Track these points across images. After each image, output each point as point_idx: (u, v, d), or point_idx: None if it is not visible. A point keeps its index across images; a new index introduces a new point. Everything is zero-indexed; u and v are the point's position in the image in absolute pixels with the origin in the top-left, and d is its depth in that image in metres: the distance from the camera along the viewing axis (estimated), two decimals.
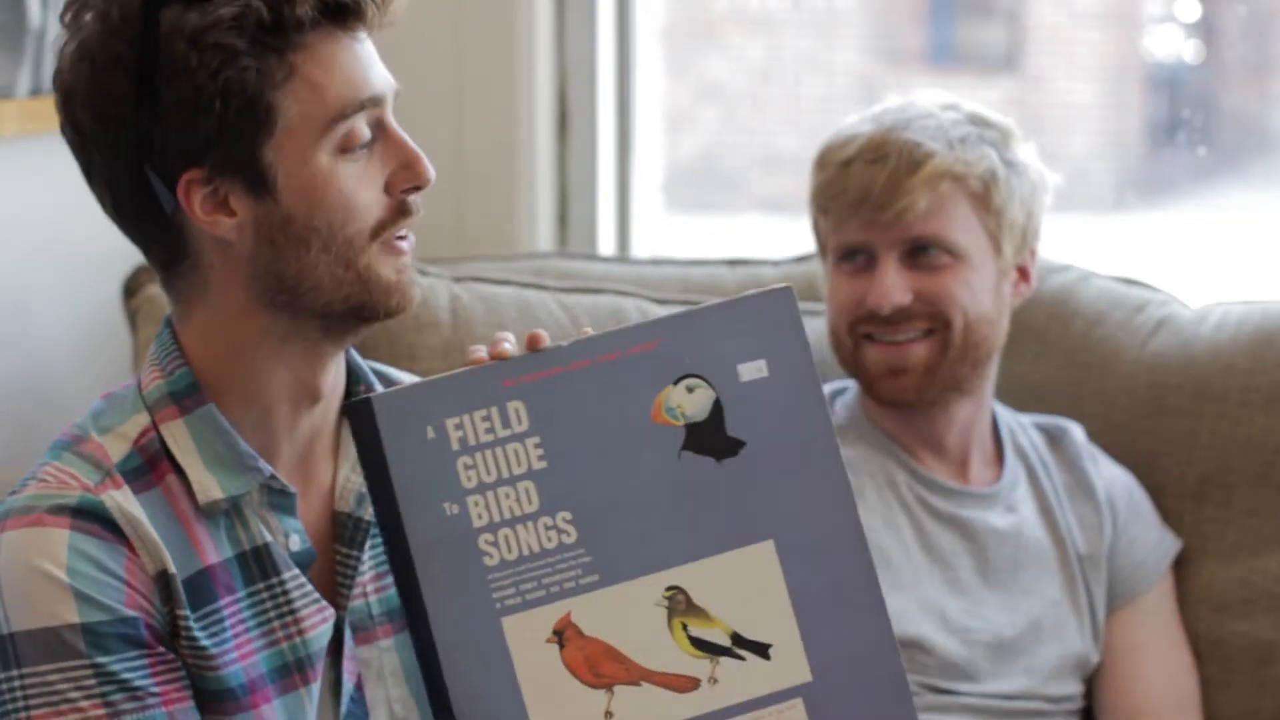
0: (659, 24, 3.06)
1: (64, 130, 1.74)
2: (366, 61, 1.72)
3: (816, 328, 2.55)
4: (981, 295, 2.26)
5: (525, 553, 1.57)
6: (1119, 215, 3.14)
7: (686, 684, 1.60)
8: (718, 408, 1.59)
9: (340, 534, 1.80)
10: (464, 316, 2.45)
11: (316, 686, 1.75)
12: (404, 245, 1.75)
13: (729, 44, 3.20)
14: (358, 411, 1.57)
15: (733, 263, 2.68)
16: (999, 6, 3.22)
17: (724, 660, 1.60)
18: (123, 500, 1.70)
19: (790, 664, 1.61)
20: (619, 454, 1.58)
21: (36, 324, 2.37)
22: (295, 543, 1.76)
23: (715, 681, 1.60)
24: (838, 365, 2.35)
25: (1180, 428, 2.45)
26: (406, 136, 1.74)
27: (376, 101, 1.72)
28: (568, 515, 1.57)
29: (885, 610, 1.63)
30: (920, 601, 2.26)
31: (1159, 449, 2.46)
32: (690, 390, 1.59)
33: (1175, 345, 2.49)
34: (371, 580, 1.80)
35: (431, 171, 1.74)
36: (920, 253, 2.25)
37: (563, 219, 2.92)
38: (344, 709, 1.77)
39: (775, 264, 2.67)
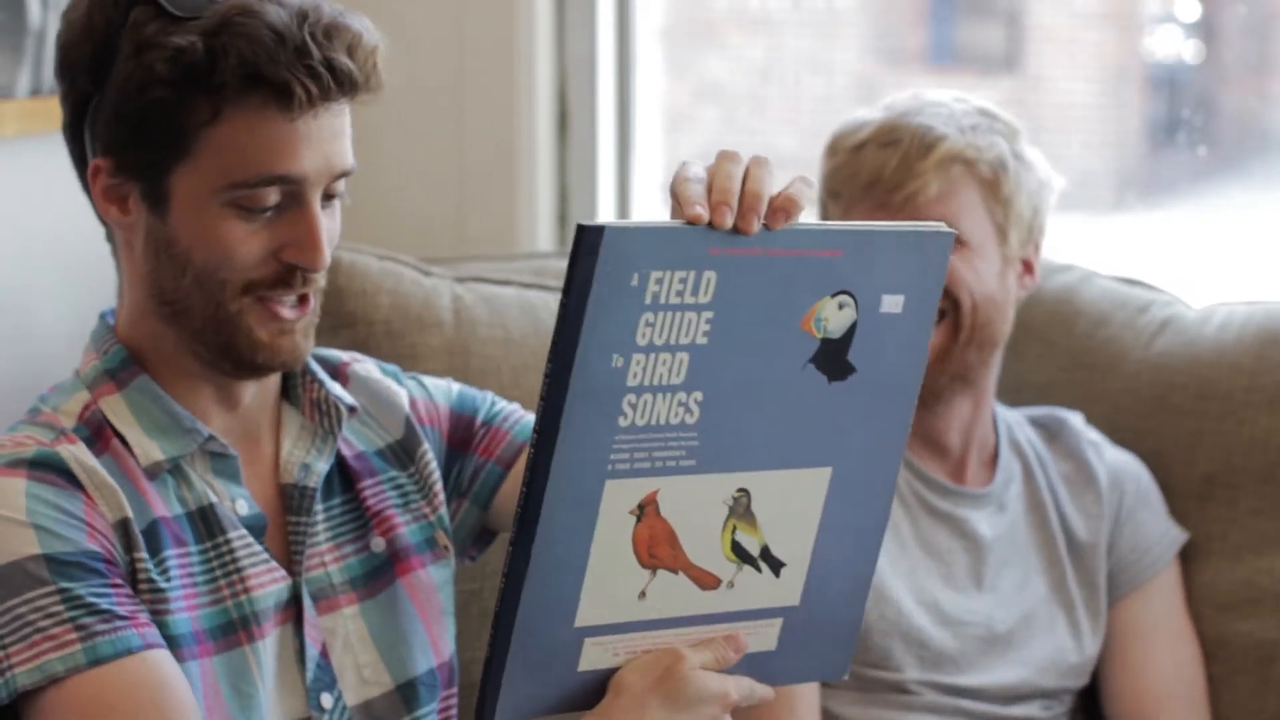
0: (659, 24, 3.05)
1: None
2: (301, 140, 1.72)
3: None
4: (987, 279, 2.27)
5: (653, 422, 1.55)
6: (1119, 215, 3.14)
7: (712, 582, 1.62)
8: (851, 330, 1.58)
9: (289, 504, 1.85)
10: (467, 317, 2.45)
11: (264, 645, 1.78)
12: (285, 311, 1.77)
13: (729, 44, 3.20)
14: (586, 235, 1.48)
15: None
16: (999, 6, 3.22)
17: (746, 568, 1.62)
18: (79, 453, 1.74)
19: (790, 586, 1.63)
20: (763, 350, 1.56)
21: (36, 324, 2.36)
22: (243, 507, 1.81)
23: (731, 586, 1.62)
24: None
25: (1185, 428, 2.46)
26: (318, 221, 1.75)
27: (293, 181, 1.73)
28: (699, 396, 1.55)
29: (875, 562, 1.65)
30: (915, 594, 2.27)
31: (1163, 449, 2.46)
32: (840, 307, 1.57)
33: (1179, 346, 2.49)
34: (329, 550, 1.86)
35: (324, 262, 1.75)
36: None
37: (563, 219, 2.92)
38: (310, 675, 1.79)
39: None
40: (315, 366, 1.90)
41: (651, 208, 3.03)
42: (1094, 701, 2.39)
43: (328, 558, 1.85)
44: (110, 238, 1.86)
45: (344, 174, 1.78)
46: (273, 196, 1.73)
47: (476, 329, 2.44)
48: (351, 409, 1.91)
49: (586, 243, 1.48)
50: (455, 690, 1.94)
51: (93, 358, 1.84)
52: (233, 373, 1.81)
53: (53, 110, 2.31)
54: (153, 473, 1.77)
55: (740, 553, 1.61)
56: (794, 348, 1.56)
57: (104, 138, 1.77)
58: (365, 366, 1.99)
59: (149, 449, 1.77)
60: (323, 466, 1.87)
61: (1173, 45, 3.17)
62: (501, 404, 2.03)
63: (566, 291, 1.50)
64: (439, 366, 2.37)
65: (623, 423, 1.54)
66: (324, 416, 1.89)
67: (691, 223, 1.50)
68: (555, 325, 1.50)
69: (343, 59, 1.71)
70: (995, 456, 2.37)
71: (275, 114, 1.71)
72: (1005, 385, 2.44)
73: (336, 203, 1.80)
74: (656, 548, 1.60)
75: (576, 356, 1.50)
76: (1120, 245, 3.02)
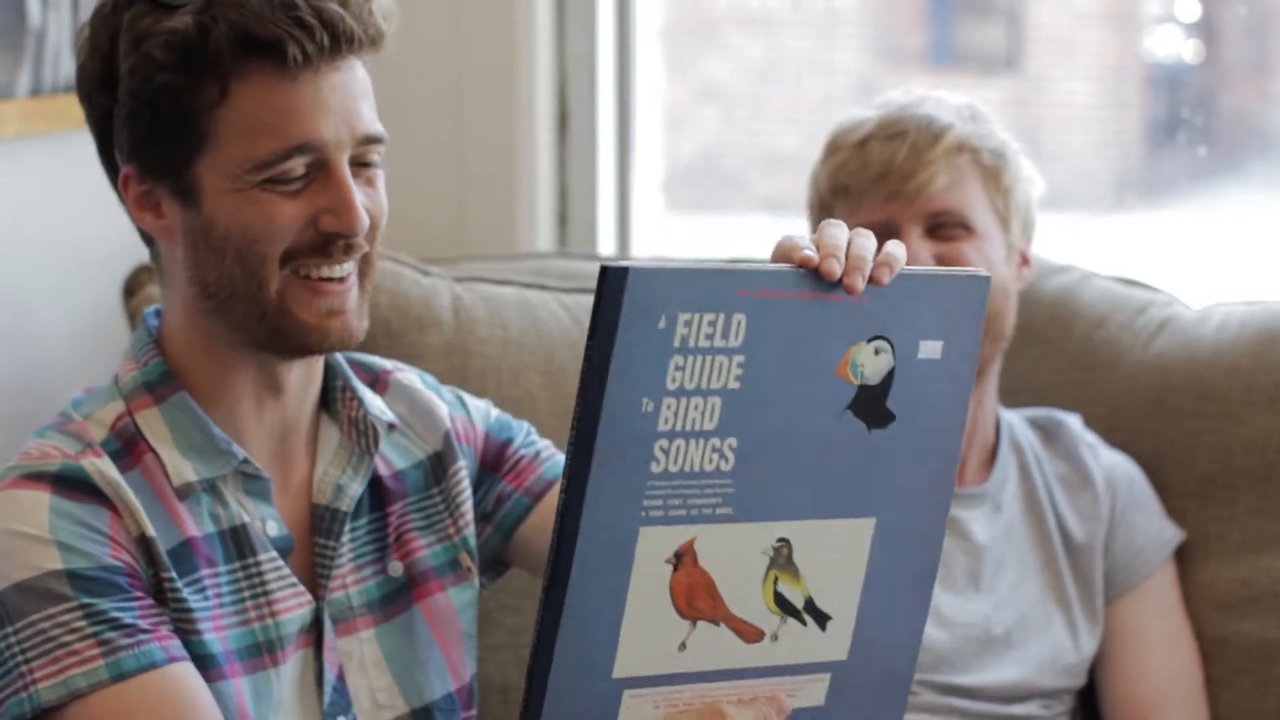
0: (659, 24, 3.05)
1: None
2: (312, 102, 1.71)
3: None
4: (996, 266, 2.28)
5: (687, 468, 1.51)
6: (1119, 215, 3.14)
7: (755, 635, 1.58)
8: (890, 377, 1.55)
9: (318, 525, 1.83)
10: (466, 317, 2.45)
11: (286, 669, 1.77)
12: (330, 286, 1.75)
13: (729, 44, 3.20)
14: (610, 277, 1.46)
15: (733, 263, 2.67)
16: (999, 6, 3.22)
17: (791, 621, 1.59)
18: (104, 466, 1.73)
19: (837, 640, 1.60)
20: (798, 396, 1.53)
21: (36, 324, 2.36)
22: (273, 529, 1.79)
23: (775, 639, 1.58)
24: None
25: (1183, 428, 2.46)
26: (348, 183, 1.73)
27: (314, 148, 1.72)
28: (734, 443, 1.52)
29: (926, 614, 1.63)
30: None
31: (1162, 449, 2.46)
32: (877, 353, 1.55)
33: (1178, 346, 2.49)
34: (350, 572, 1.84)
35: (361, 224, 1.73)
36: (940, 227, 2.27)
37: (563, 219, 2.92)
38: (327, 699, 1.79)
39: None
40: (356, 382, 1.88)
41: (652, 208, 3.03)
42: (1093, 702, 2.39)
43: (349, 580, 1.84)
44: (151, 247, 1.84)
45: (371, 139, 1.75)
46: (299, 167, 1.72)
47: (476, 329, 2.44)
48: (391, 425, 1.89)
49: (611, 284, 1.45)
50: (474, 712, 1.92)
51: (132, 367, 1.81)
52: (286, 356, 1.79)
53: (53, 110, 2.32)
54: (184, 493, 1.75)
55: (783, 605, 1.58)
56: (831, 394, 1.54)
57: (126, 144, 1.76)
58: (408, 376, 1.96)
59: (182, 469, 1.76)
60: (357, 489, 1.84)
61: (1173, 45, 3.17)
62: (536, 437, 2.01)
63: (592, 334, 1.47)
64: (438, 366, 2.37)
65: (655, 469, 1.50)
66: (361, 436, 1.86)
67: (802, 265, 1.49)
68: (582, 369, 1.48)
69: (332, 7, 1.69)
70: (994, 456, 2.37)
71: (277, 78, 1.70)
72: (1004, 386, 2.44)
73: (375, 172, 1.78)
74: (696, 598, 1.56)
75: (605, 401, 1.47)
76: (1120, 245, 3.02)
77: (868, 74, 3.13)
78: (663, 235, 3.04)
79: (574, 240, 2.92)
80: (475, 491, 1.95)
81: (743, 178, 3.28)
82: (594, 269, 2.63)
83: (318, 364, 1.85)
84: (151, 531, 1.71)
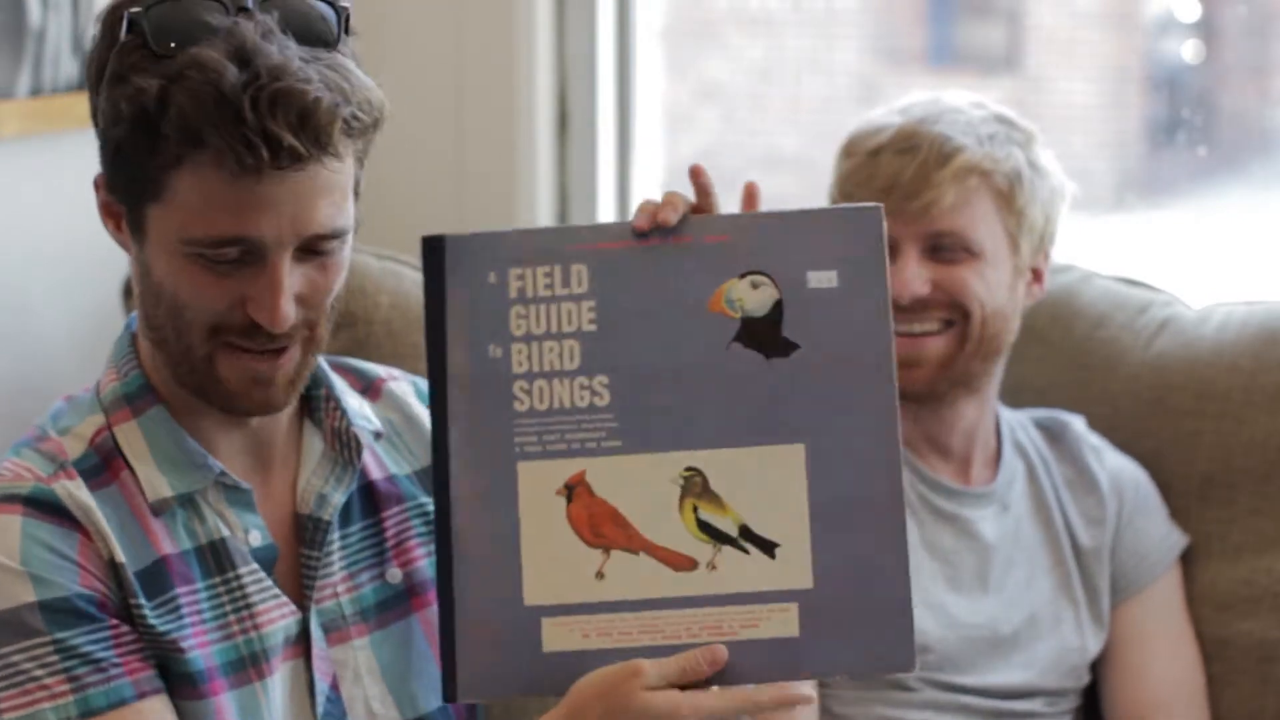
0: (659, 24, 3.05)
1: None
2: (256, 202, 1.65)
3: None
4: (997, 291, 2.26)
5: (555, 406, 1.63)
6: (1119, 215, 3.14)
7: (684, 563, 1.64)
8: (778, 307, 1.63)
9: (302, 535, 1.81)
10: None
11: (273, 681, 1.76)
12: (256, 364, 1.71)
13: (729, 44, 3.20)
14: (430, 247, 1.65)
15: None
16: (999, 6, 3.22)
17: (726, 549, 1.63)
18: (74, 490, 1.72)
19: (794, 568, 1.63)
20: (669, 333, 1.63)
21: (36, 324, 2.36)
22: (256, 538, 1.78)
23: (714, 568, 1.63)
24: None
25: (1184, 428, 2.45)
26: (281, 282, 1.67)
27: (249, 243, 1.66)
28: (604, 380, 1.63)
29: (904, 535, 1.64)
30: (920, 596, 2.26)
31: (1162, 449, 2.46)
32: (754, 286, 1.63)
33: (1178, 346, 2.49)
34: (343, 580, 1.82)
35: (282, 323, 1.68)
36: (941, 247, 2.25)
37: (563, 219, 2.92)
38: (320, 709, 1.78)
39: None
40: (339, 390, 1.85)
41: None
42: (1095, 701, 2.39)
43: (340, 588, 1.82)
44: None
45: (322, 238, 1.69)
46: (231, 252, 1.67)
47: None
48: (377, 434, 1.87)
49: (432, 254, 1.66)
50: None
51: (113, 378, 1.80)
52: (212, 409, 1.77)
53: (53, 110, 2.32)
54: (159, 509, 1.74)
55: (711, 532, 1.63)
56: (709, 329, 1.63)
57: (100, 153, 1.75)
58: (401, 386, 1.94)
59: (158, 485, 1.75)
60: (340, 498, 1.82)
61: (1173, 45, 3.17)
62: None
63: (427, 298, 1.64)
64: None
65: (519, 407, 1.63)
66: (344, 447, 1.84)
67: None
68: (425, 329, 1.63)
69: (278, 130, 1.61)
70: (998, 457, 2.37)
71: (225, 175, 1.64)
72: (1005, 386, 2.43)
73: (331, 259, 1.72)
74: (601, 526, 1.64)
75: (447, 353, 1.63)
76: (1120, 245, 3.02)
77: (868, 74, 3.13)
78: None
79: None
80: None
81: (743, 178, 3.28)
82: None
83: None
84: (121, 557, 1.71)
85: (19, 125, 2.26)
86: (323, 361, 1.86)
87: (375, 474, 1.87)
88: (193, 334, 1.71)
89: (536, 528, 1.64)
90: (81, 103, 2.36)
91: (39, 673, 1.66)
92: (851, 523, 1.63)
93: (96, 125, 1.74)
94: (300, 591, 1.80)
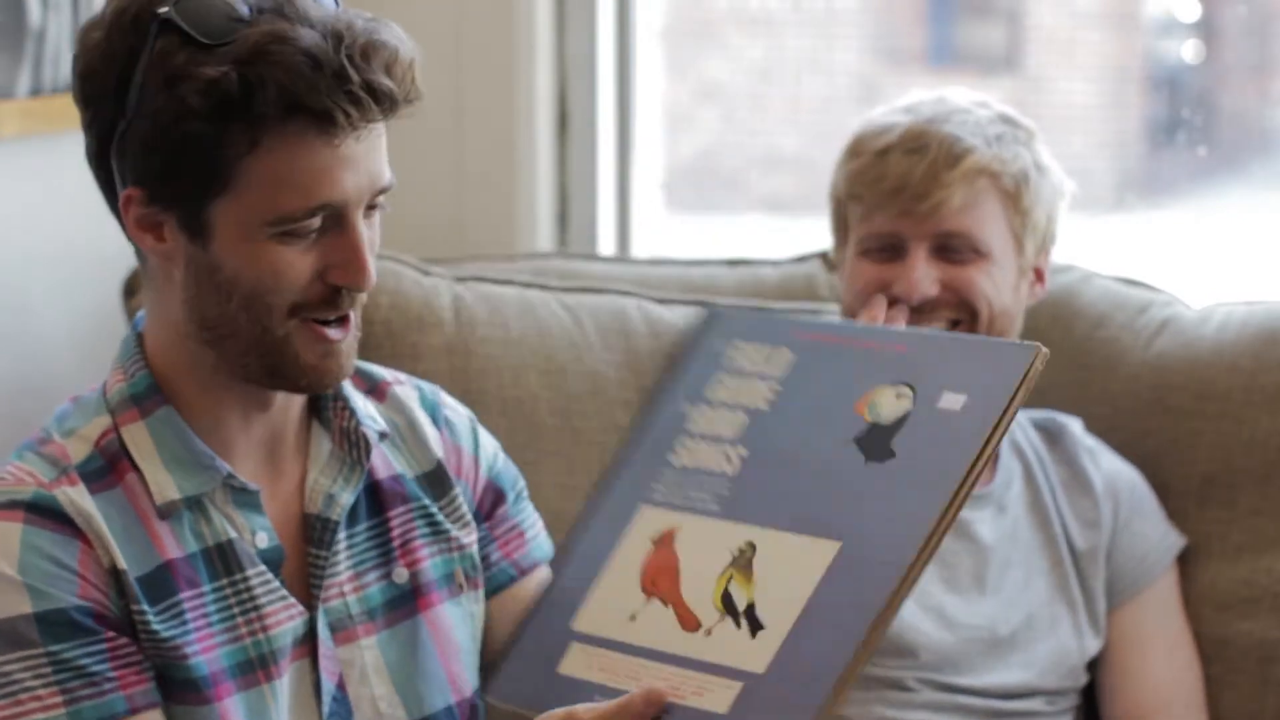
0: (659, 24, 3.05)
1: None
2: (344, 164, 1.67)
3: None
4: (1004, 290, 2.27)
5: (698, 466, 1.70)
6: (1119, 215, 3.14)
7: (692, 624, 1.66)
8: (902, 419, 1.66)
9: (310, 534, 1.81)
10: (467, 316, 2.45)
11: (281, 684, 1.76)
12: (331, 333, 1.73)
13: (729, 44, 3.20)
14: (711, 317, 1.81)
15: (733, 263, 2.67)
16: (999, 6, 3.22)
17: (728, 620, 1.65)
18: (76, 496, 1.71)
19: (759, 652, 1.63)
20: (815, 422, 1.69)
21: (36, 324, 2.36)
22: (263, 540, 1.78)
23: (709, 634, 1.65)
24: None
25: (1184, 428, 2.45)
26: (363, 242, 1.71)
27: (335, 207, 1.69)
28: (743, 451, 1.70)
29: (852, 650, 1.60)
30: (918, 597, 2.27)
31: (1162, 449, 2.46)
32: (898, 396, 1.67)
33: (1178, 346, 2.49)
34: (349, 580, 1.82)
35: (371, 280, 1.72)
36: (949, 248, 2.25)
37: (563, 219, 2.92)
38: (327, 709, 1.78)
39: (775, 264, 2.66)
40: (348, 390, 1.86)
41: (651, 207, 3.03)
42: (1094, 702, 2.39)
43: (347, 587, 1.82)
44: (141, 259, 1.79)
45: (384, 190, 1.74)
46: (312, 224, 1.69)
47: (476, 328, 2.44)
48: (382, 434, 1.87)
49: (704, 317, 1.80)
50: None
51: (119, 379, 1.78)
52: (277, 390, 1.78)
53: (53, 110, 2.31)
54: (166, 512, 1.74)
55: (728, 603, 1.65)
56: (844, 425, 1.67)
57: (135, 169, 1.70)
58: (406, 391, 1.94)
59: (165, 487, 1.74)
60: (348, 498, 1.82)
61: (1173, 45, 3.17)
62: (526, 500, 1.98)
63: (678, 353, 1.76)
64: (439, 366, 2.37)
65: (673, 459, 1.71)
66: (353, 446, 1.84)
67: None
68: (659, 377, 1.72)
69: (383, 80, 1.66)
70: (996, 458, 2.37)
71: (316, 141, 1.66)
72: None
73: (377, 214, 1.76)
74: (659, 576, 1.68)
75: (656, 398, 1.74)
76: (1120, 245, 3.02)
77: (868, 74, 3.13)
78: (663, 235, 3.03)
79: (574, 240, 2.92)
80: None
81: (743, 178, 3.28)
82: (594, 269, 2.65)
83: None
84: (123, 564, 1.70)
85: (19, 125, 2.26)
86: None
87: (381, 473, 1.87)
88: (272, 317, 1.71)
89: (620, 565, 1.71)
90: None
91: (32, 683, 1.66)
92: (829, 624, 1.62)
93: (120, 139, 1.70)
94: (307, 591, 1.80)
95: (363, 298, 1.76)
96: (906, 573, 1.60)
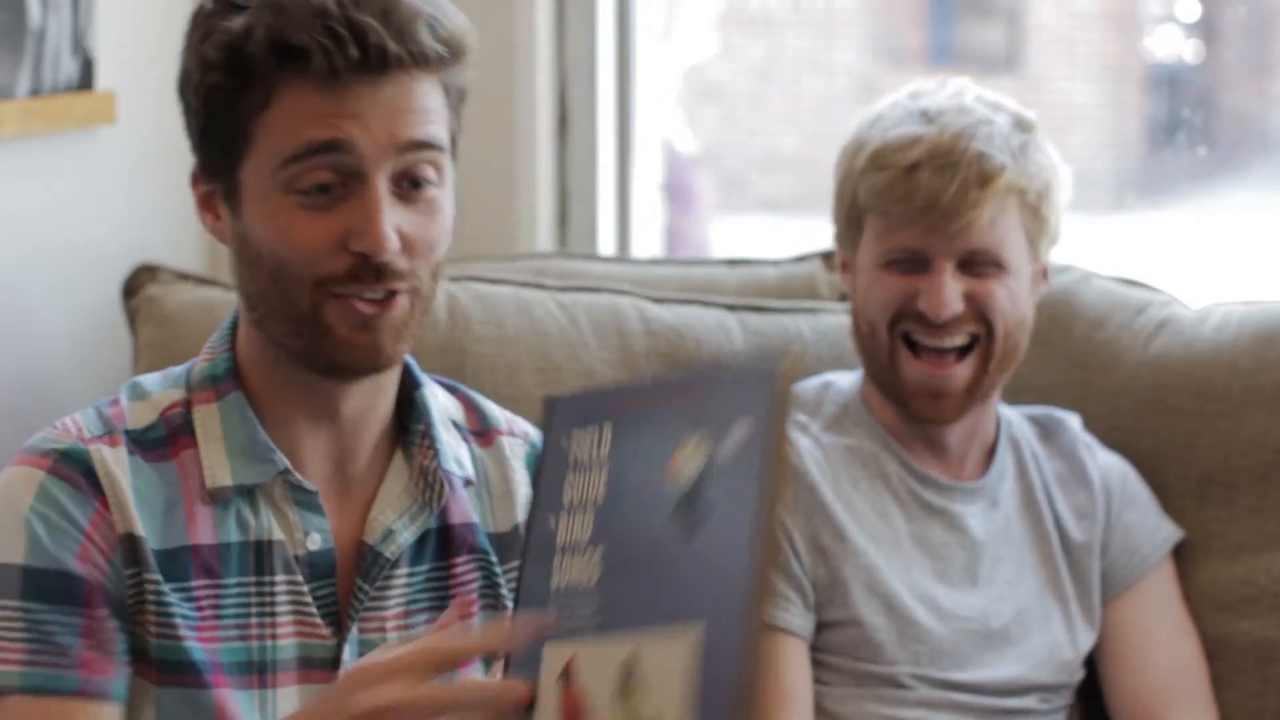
0: (659, 24, 3.06)
1: None
2: (348, 109, 1.65)
3: (816, 325, 2.55)
4: (1020, 300, 2.27)
5: (570, 584, 1.50)
6: (1119, 215, 3.14)
7: None
8: (706, 470, 1.47)
9: (360, 565, 1.76)
10: (461, 316, 2.45)
11: (280, 694, 1.72)
12: (362, 307, 1.68)
13: (729, 44, 3.20)
14: (546, 407, 1.53)
15: (733, 263, 2.67)
16: (999, 6, 3.23)
17: None
18: (110, 457, 1.70)
19: None
20: (643, 501, 1.48)
21: (36, 324, 2.36)
22: (315, 541, 1.74)
23: None
24: (857, 356, 2.34)
25: (1183, 428, 2.46)
26: (380, 200, 1.66)
27: (343, 148, 1.65)
28: (599, 553, 1.49)
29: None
30: (911, 589, 2.27)
31: (1161, 449, 2.46)
32: (695, 446, 1.48)
33: (1177, 346, 2.49)
34: (395, 617, 1.77)
35: (386, 244, 1.65)
36: (973, 262, 2.25)
37: (563, 219, 2.92)
38: None
39: (775, 264, 2.67)
40: (438, 430, 1.79)
41: (651, 207, 3.03)
42: (1092, 697, 2.39)
43: (390, 624, 1.76)
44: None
45: (418, 144, 1.67)
46: (326, 174, 1.65)
47: (470, 327, 2.44)
48: (468, 481, 1.81)
49: (546, 410, 1.52)
50: None
51: (206, 358, 1.77)
52: (325, 375, 1.72)
53: (53, 110, 2.32)
54: (215, 497, 1.71)
55: None
56: (661, 497, 1.47)
57: (191, 143, 1.73)
58: (514, 444, 1.86)
59: (220, 472, 1.72)
60: (408, 538, 1.77)
61: (1173, 45, 3.17)
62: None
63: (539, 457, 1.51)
64: (434, 366, 2.36)
65: (554, 584, 1.50)
66: (428, 488, 1.78)
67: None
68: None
69: (364, 18, 1.63)
70: (992, 453, 2.37)
71: (312, 87, 1.64)
72: (1005, 386, 2.44)
73: (432, 193, 1.70)
74: (575, 717, 1.49)
75: (532, 518, 1.51)
76: (1120, 245, 3.02)
77: (868, 74, 3.13)
78: (662, 235, 3.04)
79: (574, 240, 2.92)
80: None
81: (743, 178, 3.28)
82: (594, 269, 2.65)
83: (381, 395, 1.77)
84: (141, 530, 1.68)
85: (19, 125, 2.26)
86: (438, 393, 1.83)
87: (455, 518, 1.81)
88: (298, 290, 1.67)
89: (542, 715, 1.50)
90: (81, 103, 2.37)
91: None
92: (707, 708, 1.45)
93: (189, 114, 1.71)
94: (344, 618, 1.76)
95: (414, 279, 1.69)
96: (748, 624, 1.45)
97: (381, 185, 1.66)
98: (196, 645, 1.70)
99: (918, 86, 2.34)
